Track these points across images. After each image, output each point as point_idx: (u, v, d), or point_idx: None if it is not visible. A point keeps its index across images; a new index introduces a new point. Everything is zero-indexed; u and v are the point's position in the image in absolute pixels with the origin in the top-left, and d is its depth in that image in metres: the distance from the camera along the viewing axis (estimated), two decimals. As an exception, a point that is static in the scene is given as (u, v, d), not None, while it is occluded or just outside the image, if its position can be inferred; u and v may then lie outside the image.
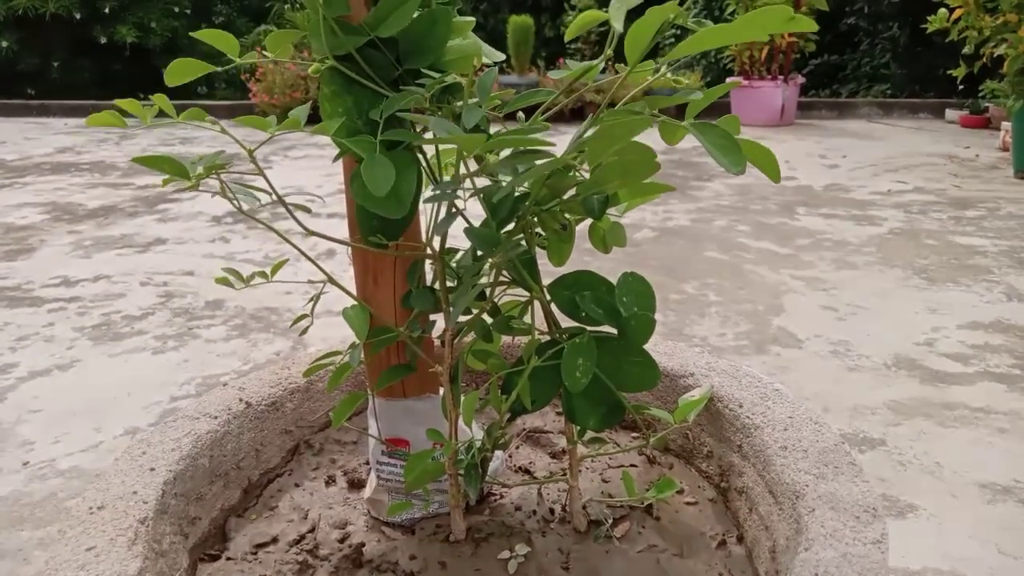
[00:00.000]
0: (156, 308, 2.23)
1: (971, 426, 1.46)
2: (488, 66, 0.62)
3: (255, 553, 0.71)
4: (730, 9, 5.41)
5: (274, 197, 0.61)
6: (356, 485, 0.81)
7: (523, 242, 0.64)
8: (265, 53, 0.64)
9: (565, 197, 0.60)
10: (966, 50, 3.69)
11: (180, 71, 0.61)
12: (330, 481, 0.82)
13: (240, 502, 0.78)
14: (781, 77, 5.30)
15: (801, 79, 5.43)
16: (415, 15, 0.62)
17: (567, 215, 0.62)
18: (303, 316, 0.64)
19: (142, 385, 1.71)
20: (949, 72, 3.98)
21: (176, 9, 7.39)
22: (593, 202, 0.59)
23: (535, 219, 0.61)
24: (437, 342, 0.76)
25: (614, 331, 0.64)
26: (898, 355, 1.79)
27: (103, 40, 7.11)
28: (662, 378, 0.85)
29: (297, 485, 0.81)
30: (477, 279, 0.59)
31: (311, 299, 0.66)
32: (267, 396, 0.83)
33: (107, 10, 7.02)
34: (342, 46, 0.61)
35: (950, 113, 5.42)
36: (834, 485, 0.64)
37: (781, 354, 1.82)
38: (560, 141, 4.61)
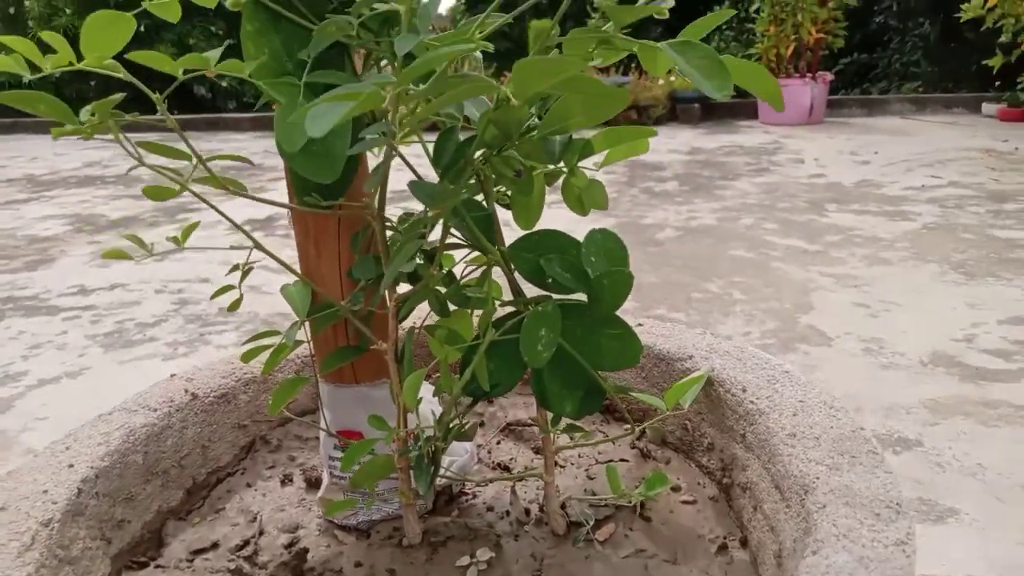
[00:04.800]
0: (169, 315, 2.19)
1: (1015, 425, 1.34)
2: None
3: (191, 560, 0.63)
4: (755, 7, 5.29)
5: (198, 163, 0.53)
6: (314, 485, 0.73)
7: (478, 197, 0.55)
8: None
9: (522, 139, 0.51)
10: (1003, 39, 3.54)
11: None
12: (286, 481, 0.73)
13: (182, 504, 0.69)
14: (809, 74, 5.15)
15: (830, 76, 5.27)
16: (348, -62, 0.54)
17: (527, 162, 0.53)
18: (227, 288, 0.56)
19: (150, 392, 1.68)
20: (985, 62, 3.82)
21: (212, 28, 7.44)
22: (554, 144, 0.50)
23: (488, 168, 0.52)
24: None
25: (585, 300, 0.55)
26: (935, 352, 1.67)
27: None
28: (657, 362, 0.75)
29: (249, 485, 0.73)
30: (417, 236, 0.50)
31: (233, 268, 0.58)
32: (217, 387, 0.75)
33: (142, 27, 7.08)
34: (266, -25, 0.53)
35: (987, 107, 5.19)
36: (850, 477, 0.54)
37: (810, 352, 1.71)
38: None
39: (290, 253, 2.66)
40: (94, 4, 6.98)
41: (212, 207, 0.57)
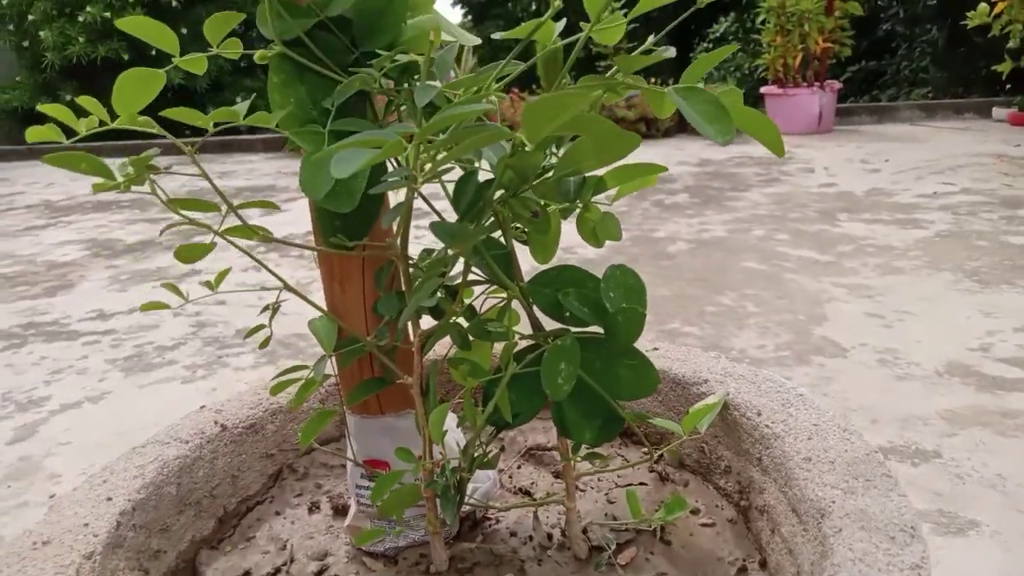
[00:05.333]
0: (188, 338, 2.22)
1: (1034, 435, 1.34)
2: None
3: (225, 589, 0.65)
4: (760, 18, 5.31)
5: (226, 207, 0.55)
6: (341, 512, 0.75)
7: (496, 234, 0.57)
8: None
9: (538, 181, 0.53)
10: (1011, 44, 3.54)
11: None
12: (314, 508, 0.75)
13: (214, 533, 0.72)
14: (817, 84, 5.16)
15: (838, 85, 5.28)
16: (368, -9, 0.56)
17: (543, 202, 0.55)
18: (259, 327, 0.59)
19: (170, 415, 1.70)
20: (993, 68, 3.82)
21: (221, 48, 7.54)
22: (568, 185, 0.52)
23: (506, 209, 0.54)
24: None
25: (602, 332, 0.57)
26: (951, 362, 1.67)
27: (151, 83, 7.30)
28: (674, 386, 0.77)
29: (278, 513, 0.75)
30: (438, 274, 0.53)
31: (266, 307, 0.60)
32: (245, 418, 0.77)
33: (153, 52, 7.20)
34: (290, 30, 0.56)
35: (998, 111, 5.18)
36: (865, 501, 0.55)
37: (825, 364, 1.72)
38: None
39: (304, 274, 2.69)
40: (105, 33, 7.09)
41: (238, 247, 0.59)
